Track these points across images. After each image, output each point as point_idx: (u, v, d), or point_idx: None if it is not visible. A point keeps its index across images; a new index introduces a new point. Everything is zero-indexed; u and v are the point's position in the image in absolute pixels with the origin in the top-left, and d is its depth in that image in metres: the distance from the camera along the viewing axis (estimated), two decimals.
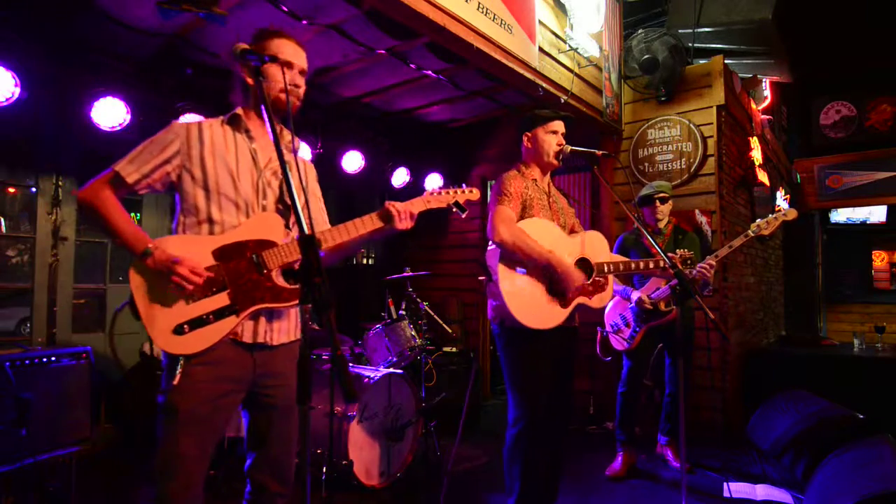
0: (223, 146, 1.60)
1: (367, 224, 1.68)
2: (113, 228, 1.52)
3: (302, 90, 1.68)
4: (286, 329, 1.66)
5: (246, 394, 1.60)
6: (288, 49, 1.64)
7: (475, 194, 1.92)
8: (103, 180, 1.54)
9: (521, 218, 2.31)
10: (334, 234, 1.64)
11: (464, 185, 1.92)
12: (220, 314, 1.51)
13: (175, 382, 1.46)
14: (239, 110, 1.67)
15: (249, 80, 1.63)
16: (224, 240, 1.55)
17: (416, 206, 1.75)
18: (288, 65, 1.63)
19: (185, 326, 1.47)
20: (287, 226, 1.65)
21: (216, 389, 1.51)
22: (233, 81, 1.70)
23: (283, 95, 1.60)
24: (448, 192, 1.86)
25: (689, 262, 2.75)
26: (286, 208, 1.66)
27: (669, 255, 2.73)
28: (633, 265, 2.47)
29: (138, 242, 1.49)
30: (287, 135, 1.72)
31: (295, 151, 1.72)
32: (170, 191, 1.63)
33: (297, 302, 1.60)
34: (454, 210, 1.90)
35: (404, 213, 1.70)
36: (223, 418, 1.56)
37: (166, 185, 1.60)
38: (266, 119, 1.58)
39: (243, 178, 1.60)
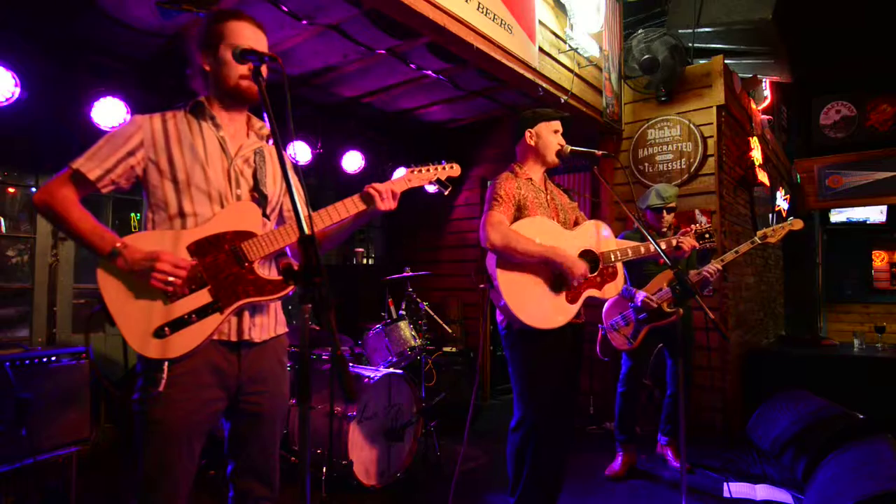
0: (189, 135, 1.50)
1: (350, 207, 1.62)
2: (75, 229, 1.41)
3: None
4: (267, 325, 1.59)
5: (229, 401, 1.51)
6: (247, 33, 1.53)
7: (456, 170, 1.87)
8: (61, 180, 1.43)
9: (518, 219, 2.27)
10: (315, 219, 1.58)
11: (443, 161, 1.86)
12: (202, 312, 1.42)
13: (160, 389, 1.37)
14: (202, 98, 1.56)
15: (207, 67, 1.54)
16: (199, 233, 1.45)
17: (399, 185, 1.70)
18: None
19: (166, 328, 1.38)
20: (265, 214, 1.58)
21: (203, 396, 1.44)
22: (191, 69, 1.60)
23: (243, 83, 1.51)
24: (429, 169, 1.82)
25: (706, 235, 2.64)
26: (262, 197, 1.58)
27: (687, 228, 2.67)
28: (643, 249, 2.37)
29: (105, 242, 1.39)
30: (257, 122, 1.67)
31: (266, 139, 1.67)
32: (135, 188, 1.52)
33: (281, 294, 1.52)
34: (437, 188, 1.86)
35: (386, 193, 1.64)
36: (209, 426, 1.48)
37: (131, 182, 1.49)
38: (266, 119, 1.53)
39: (213, 167, 1.50)
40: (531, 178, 2.41)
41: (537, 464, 2.26)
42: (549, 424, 2.25)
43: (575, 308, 2.26)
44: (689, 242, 2.57)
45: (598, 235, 2.37)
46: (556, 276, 2.23)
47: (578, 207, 2.61)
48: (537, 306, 2.20)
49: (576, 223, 2.47)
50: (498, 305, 2.24)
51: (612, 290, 2.37)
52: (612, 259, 2.33)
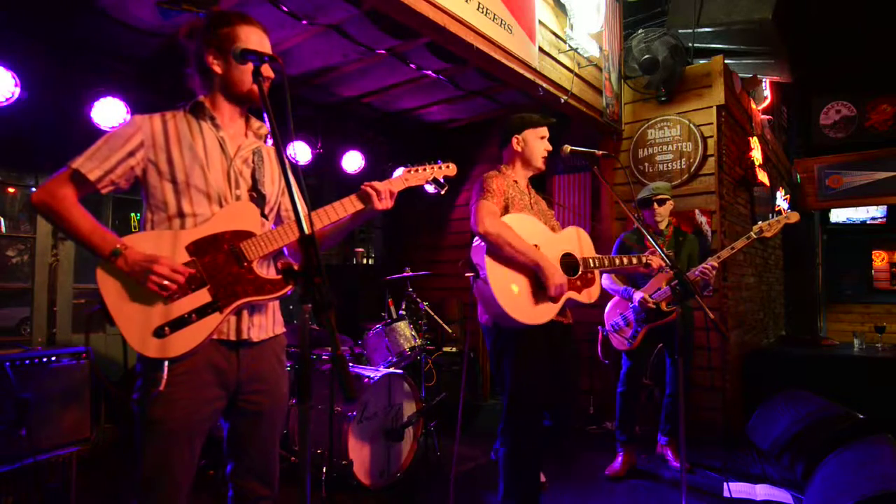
0: (189, 136, 1.51)
1: (348, 206, 1.63)
2: (75, 229, 1.41)
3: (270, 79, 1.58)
4: (266, 325, 1.59)
5: (228, 401, 1.52)
6: (255, 38, 1.54)
7: (452, 169, 1.89)
8: (61, 179, 1.43)
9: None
10: (314, 219, 1.58)
11: (439, 160, 1.88)
12: (202, 312, 1.42)
13: (161, 388, 1.37)
14: (202, 98, 1.56)
15: (216, 69, 1.54)
16: (198, 233, 1.46)
17: (396, 184, 1.72)
18: None
19: (166, 328, 1.38)
20: (263, 214, 1.59)
21: (203, 395, 1.44)
22: (190, 68, 1.59)
23: (255, 87, 1.47)
24: (426, 169, 1.83)
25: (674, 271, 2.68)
26: (260, 197, 1.59)
27: (653, 248, 2.63)
28: (617, 261, 2.46)
29: (105, 243, 1.39)
30: (255, 122, 1.68)
31: (265, 139, 1.69)
32: (134, 188, 1.52)
33: (280, 294, 1.52)
34: (434, 187, 1.90)
35: (384, 193, 1.66)
36: (209, 425, 1.49)
37: (130, 182, 1.49)
38: (266, 119, 1.53)
39: (213, 168, 1.51)
40: (517, 182, 2.46)
41: (519, 461, 2.25)
42: (540, 421, 2.26)
43: (557, 306, 2.28)
44: (656, 262, 2.55)
45: (579, 241, 2.44)
46: (538, 278, 2.25)
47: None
48: (522, 301, 2.21)
49: (552, 230, 2.50)
50: (482, 297, 2.25)
51: (588, 296, 2.41)
52: (592, 265, 2.39)
